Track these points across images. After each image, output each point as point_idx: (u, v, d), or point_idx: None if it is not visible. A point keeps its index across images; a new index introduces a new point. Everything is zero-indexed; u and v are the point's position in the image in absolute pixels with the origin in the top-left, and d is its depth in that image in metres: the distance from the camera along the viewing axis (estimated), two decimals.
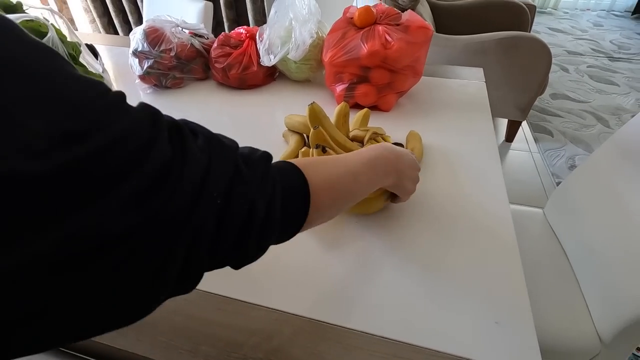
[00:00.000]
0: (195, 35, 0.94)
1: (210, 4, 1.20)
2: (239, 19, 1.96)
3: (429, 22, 2.05)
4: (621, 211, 0.73)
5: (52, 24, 0.64)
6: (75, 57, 0.67)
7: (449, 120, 0.76)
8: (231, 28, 1.95)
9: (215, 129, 0.28)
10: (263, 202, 0.27)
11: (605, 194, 0.78)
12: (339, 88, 0.80)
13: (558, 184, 1.74)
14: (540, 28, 3.50)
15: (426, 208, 0.57)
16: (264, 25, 0.83)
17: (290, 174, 0.33)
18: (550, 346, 0.73)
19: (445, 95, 0.86)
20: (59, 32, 0.65)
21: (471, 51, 1.71)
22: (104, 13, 2.07)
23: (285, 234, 0.33)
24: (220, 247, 0.25)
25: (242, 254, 0.28)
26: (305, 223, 0.33)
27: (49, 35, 0.60)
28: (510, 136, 2.01)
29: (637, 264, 0.66)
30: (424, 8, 2.07)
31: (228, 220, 0.25)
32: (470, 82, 0.91)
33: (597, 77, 2.62)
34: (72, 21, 2.14)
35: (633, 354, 1.12)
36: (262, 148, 0.32)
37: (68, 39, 0.69)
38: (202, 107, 0.86)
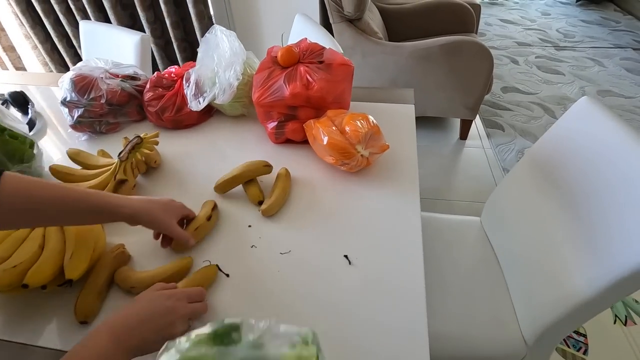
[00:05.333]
0: (128, 77, 0.94)
1: (147, 36, 1.19)
2: (187, 37, 1.94)
3: (379, 27, 2.10)
4: (538, 223, 0.79)
5: None
6: None
7: None
8: (180, 47, 1.93)
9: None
10: None
11: (526, 206, 0.85)
12: (270, 126, 0.82)
13: None
14: (492, 20, 3.62)
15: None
16: (191, 70, 0.84)
17: None
18: (481, 351, 0.79)
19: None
20: None
21: (417, 57, 1.76)
22: (45, 39, 2.00)
23: None
24: None
25: None
26: None
27: None
28: (463, 134, 2.10)
29: (551, 270, 0.72)
30: (374, 15, 2.11)
31: None
32: (400, 106, 0.95)
33: (544, 68, 2.75)
34: (12, 48, 2.06)
35: (575, 339, 1.22)
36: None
37: None
38: None
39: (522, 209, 0.86)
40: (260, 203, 0.68)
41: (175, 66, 0.94)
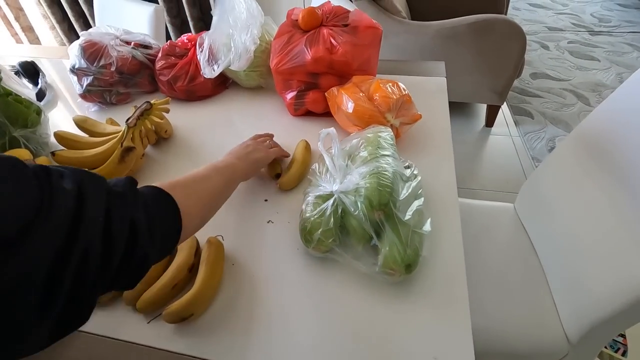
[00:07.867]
0: (140, 45, 0.88)
1: (161, 7, 1.13)
2: (203, 16, 1.89)
3: (402, 7, 1.99)
4: (585, 207, 0.71)
5: None
6: None
7: None
8: (197, 26, 1.88)
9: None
10: (142, 216, 0.31)
11: (569, 189, 0.76)
12: (289, 96, 0.76)
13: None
14: (520, 4, 3.43)
15: None
16: (204, 34, 0.78)
17: (159, 197, 0.36)
18: (518, 348, 0.72)
19: None
20: None
21: (443, 37, 1.66)
22: (63, 19, 1.98)
23: (164, 249, 0.36)
24: (110, 263, 0.27)
25: (133, 265, 0.30)
26: (180, 238, 0.37)
27: None
28: (489, 121, 1.98)
29: (601, 262, 0.64)
30: None
31: (115, 234, 0.28)
32: (431, 78, 0.87)
33: (577, 53, 2.58)
34: (31, 29, 2.05)
35: (613, 340, 1.12)
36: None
37: None
38: None
39: (566, 193, 0.77)
40: (278, 176, 0.62)
41: (189, 34, 0.88)
